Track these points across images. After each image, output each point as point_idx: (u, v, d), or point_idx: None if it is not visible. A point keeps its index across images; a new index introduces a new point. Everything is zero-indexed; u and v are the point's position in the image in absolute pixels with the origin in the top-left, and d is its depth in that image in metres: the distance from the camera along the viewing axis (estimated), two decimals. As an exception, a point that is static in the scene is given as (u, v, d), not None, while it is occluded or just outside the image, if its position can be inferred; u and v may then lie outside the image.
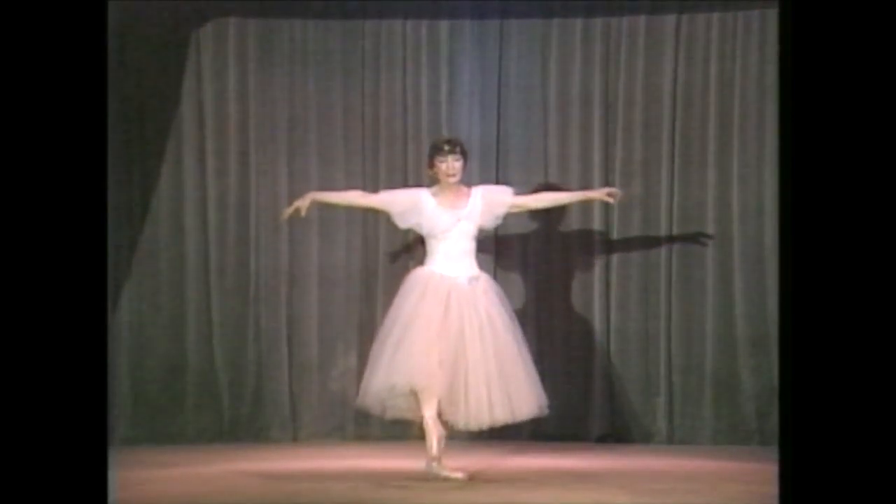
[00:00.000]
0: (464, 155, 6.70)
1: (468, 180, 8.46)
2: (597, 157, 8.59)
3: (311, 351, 8.62)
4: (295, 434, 8.48)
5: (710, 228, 8.54)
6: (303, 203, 6.63)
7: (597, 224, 8.60)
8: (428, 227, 6.60)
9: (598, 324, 8.57)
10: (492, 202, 6.69)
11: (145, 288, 8.56)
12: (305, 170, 8.64)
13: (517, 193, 7.12)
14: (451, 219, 6.56)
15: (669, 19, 8.53)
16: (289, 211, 6.73)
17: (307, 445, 8.08)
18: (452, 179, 6.60)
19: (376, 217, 8.41)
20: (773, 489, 6.19)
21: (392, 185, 8.47)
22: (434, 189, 6.65)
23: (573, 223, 8.62)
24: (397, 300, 6.62)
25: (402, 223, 6.76)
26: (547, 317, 8.54)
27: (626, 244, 8.61)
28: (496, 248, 8.55)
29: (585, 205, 8.53)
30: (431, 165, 6.66)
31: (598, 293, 8.58)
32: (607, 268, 8.61)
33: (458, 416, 6.36)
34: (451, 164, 6.59)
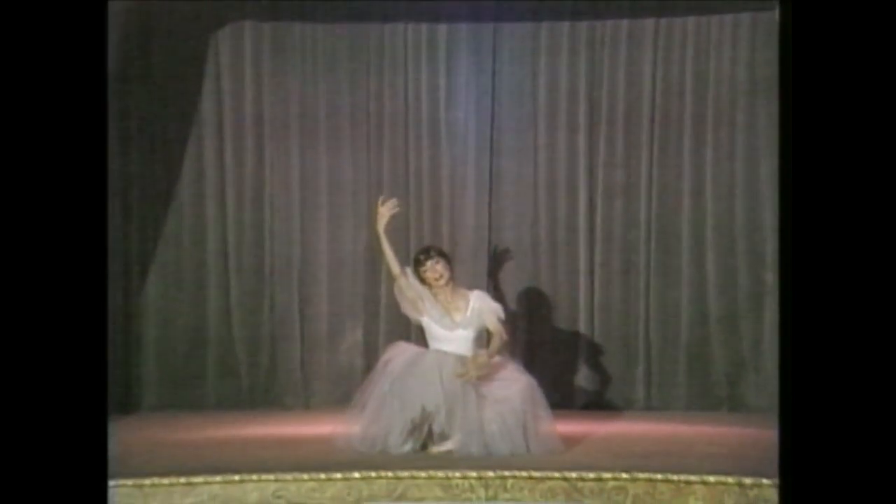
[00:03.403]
0: (443, 256, 6.42)
1: (464, 171, 8.62)
2: (582, 148, 8.61)
3: (321, 326, 8.63)
4: (307, 402, 8.47)
5: (686, 214, 8.57)
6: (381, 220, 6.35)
7: (582, 208, 8.61)
8: (427, 329, 6.35)
9: (582, 301, 8.59)
10: (483, 313, 6.33)
11: (170, 270, 8.59)
12: (315, 161, 8.64)
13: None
14: (448, 327, 6.27)
15: (649, 23, 8.55)
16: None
17: (318, 412, 7.99)
18: (442, 282, 6.31)
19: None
20: (742, 451, 6.31)
21: (394, 175, 8.61)
22: (434, 291, 6.36)
23: (561, 208, 8.63)
24: (390, 355, 6.32)
25: (407, 312, 6.44)
26: (536, 295, 8.57)
27: (609, 228, 8.62)
28: (490, 229, 8.61)
29: (571, 191, 8.59)
30: (422, 280, 6.34)
31: (583, 273, 8.59)
32: (591, 250, 8.62)
33: (470, 443, 5.97)
34: (433, 269, 6.31)
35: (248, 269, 8.63)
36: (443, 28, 8.63)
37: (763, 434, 7.10)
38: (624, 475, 5.30)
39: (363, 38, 8.65)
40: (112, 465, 5.68)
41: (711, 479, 5.25)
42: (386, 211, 6.34)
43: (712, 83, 8.54)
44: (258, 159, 8.66)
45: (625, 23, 8.56)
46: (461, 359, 6.15)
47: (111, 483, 5.28)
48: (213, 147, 8.62)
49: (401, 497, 5.30)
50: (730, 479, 5.22)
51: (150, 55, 8.32)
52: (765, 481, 5.18)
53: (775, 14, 7.92)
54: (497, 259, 8.52)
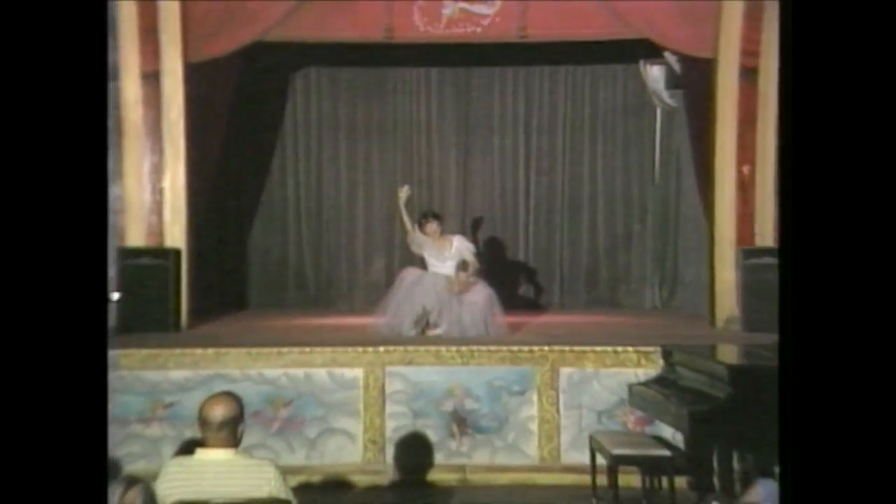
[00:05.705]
0: (436, 217, 6.24)
1: (448, 162, 8.55)
2: (521, 147, 8.64)
3: (359, 257, 8.58)
4: (351, 304, 8.35)
5: (586, 188, 8.61)
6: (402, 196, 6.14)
7: (521, 185, 8.63)
8: (426, 260, 6.21)
9: (521, 241, 8.64)
10: (462, 250, 6.19)
11: (266, 225, 8.57)
12: (354, 155, 8.60)
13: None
14: (440, 260, 6.14)
15: (563, 68, 8.53)
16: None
17: (358, 311, 7.63)
18: (436, 235, 6.14)
19: (397, 182, 8.23)
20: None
21: (404, 165, 8.53)
22: (431, 238, 6.20)
23: (508, 184, 8.64)
24: (403, 275, 6.20)
25: (414, 250, 6.31)
26: (494, 238, 8.52)
27: (538, 196, 8.65)
28: (465, 197, 8.59)
29: (514, 174, 8.56)
30: (423, 233, 6.17)
31: (521, 224, 8.65)
32: (527, 210, 8.65)
33: (452, 330, 5.91)
34: (430, 227, 6.15)
35: (313, 220, 8.58)
36: (434, 70, 8.61)
37: (627, 315, 7.30)
38: (546, 347, 5.32)
39: (384, 76, 8.58)
40: (231, 339, 5.72)
41: (598, 348, 5.29)
42: (403, 194, 6.21)
43: (601, 105, 8.56)
44: (319, 155, 8.59)
45: (547, 68, 8.55)
46: (448, 278, 6.12)
47: (223, 350, 5.25)
48: (291, 147, 8.57)
49: (410, 363, 5.28)
50: (608, 348, 5.29)
51: (253, 90, 8.17)
52: (629, 349, 5.26)
53: (640, 66, 8.05)
54: (471, 219, 8.48)
